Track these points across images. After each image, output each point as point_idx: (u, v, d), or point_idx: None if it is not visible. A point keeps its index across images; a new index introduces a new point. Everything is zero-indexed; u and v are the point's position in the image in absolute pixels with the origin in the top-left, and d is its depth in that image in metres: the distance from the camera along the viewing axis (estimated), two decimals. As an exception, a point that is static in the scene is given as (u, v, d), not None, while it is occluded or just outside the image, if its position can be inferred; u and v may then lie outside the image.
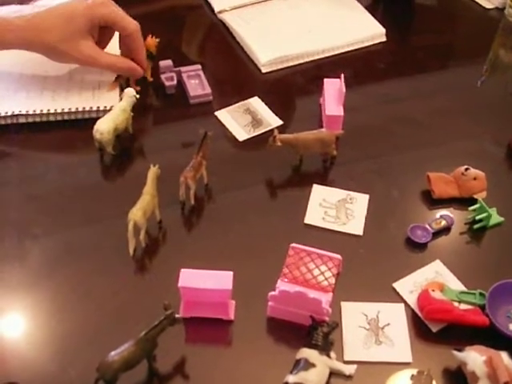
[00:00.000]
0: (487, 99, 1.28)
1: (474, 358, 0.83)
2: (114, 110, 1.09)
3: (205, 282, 0.87)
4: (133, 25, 1.15)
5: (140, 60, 1.18)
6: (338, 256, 0.94)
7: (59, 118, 1.14)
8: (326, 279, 0.92)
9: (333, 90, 1.16)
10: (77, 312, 0.91)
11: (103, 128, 1.06)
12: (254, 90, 1.23)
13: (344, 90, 1.13)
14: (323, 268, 0.93)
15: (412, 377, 0.85)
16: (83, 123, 1.13)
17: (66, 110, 1.14)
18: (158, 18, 1.40)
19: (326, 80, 1.18)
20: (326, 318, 0.87)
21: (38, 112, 1.13)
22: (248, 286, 0.92)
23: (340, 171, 1.11)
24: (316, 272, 0.92)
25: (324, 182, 1.08)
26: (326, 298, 0.88)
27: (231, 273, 0.87)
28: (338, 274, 0.94)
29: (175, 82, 1.20)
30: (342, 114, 1.13)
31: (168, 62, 1.21)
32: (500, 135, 1.18)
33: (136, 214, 0.94)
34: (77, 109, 1.14)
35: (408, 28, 1.45)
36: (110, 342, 0.81)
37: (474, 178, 1.05)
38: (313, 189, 1.06)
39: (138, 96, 1.11)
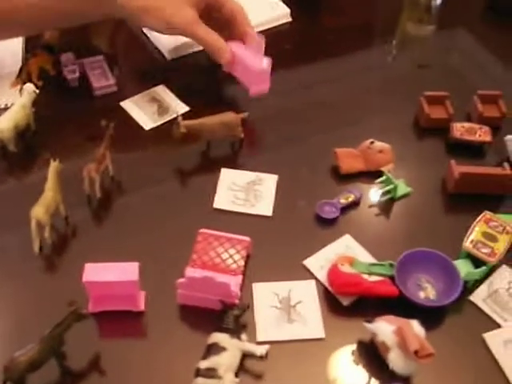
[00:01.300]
0: (397, 74, 1.30)
1: (384, 328, 0.84)
2: (13, 107, 1.07)
3: (110, 275, 0.85)
4: (238, 6, 1.15)
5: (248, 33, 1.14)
6: (247, 238, 0.94)
7: (-42, 119, 1.11)
8: (235, 262, 0.91)
9: (245, 50, 1.13)
10: (-16, 316, 0.90)
11: (2, 126, 1.04)
12: (160, 78, 1.21)
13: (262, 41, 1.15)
14: (232, 251, 0.92)
15: (353, 352, 0.86)
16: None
17: (-35, 111, 1.11)
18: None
19: (230, 43, 1.13)
20: (236, 301, 0.87)
21: None
22: (159, 276, 0.91)
23: (250, 154, 1.10)
24: (225, 256, 0.92)
25: (233, 165, 1.08)
26: (234, 281, 0.88)
27: (137, 263, 0.86)
28: (248, 257, 0.94)
29: (77, 74, 1.17)
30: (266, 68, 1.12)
31: (69, 55, 1.18)
32: (408, 107, 1.19)
33: (38, 211, 0.92)
34: (-23, 108, 1.11)
35: (314, 8, 1.44)
36: (19, 344, 0.80)
37: (380, 151, 1.06)
38: (221, 173, 1.06)
39: (37, 91, 1.09)
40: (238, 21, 1.14)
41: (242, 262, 0.92)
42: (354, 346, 0.87)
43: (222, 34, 1.12)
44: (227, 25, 1.15)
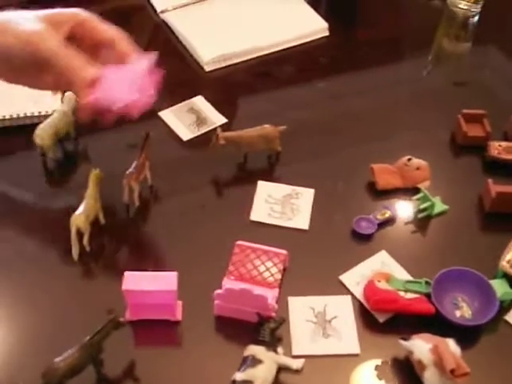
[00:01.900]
0: (432, 89, 1.29)
1: (420, 346, 0.84)
2: (54, 114, 1.08)
3: (149, 284, 0.86)
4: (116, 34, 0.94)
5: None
6: (284, 251, 0.94)
7: (0, 124, 1.12)
8: (272, 275, 0.92)
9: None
10: (23, 320, 0.90)
11: (43, 133, 1.05)
12: (198, 89, 1.22)
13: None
14: (269, 264, 0.93)
15: (376, 367, 0.86)
16: (25, 129, 1.11)
17: (7, 117, 1.12)
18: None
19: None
20: (273, 314, 0.87)
21: (-22, 119, 1.11)
22: (195, 286, 0.92)
23: (286, 167, 1.11)
24: (262, 268, 0.92)
25: (270, 178, 1.08)
26: (271, 294, 0.89)
27: (175, 273, 0.87)
28: (285, 270, 0.94)
29: (117, 83, 1.19)
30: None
31: (110, 64, 1.20)
32: (444, 124, 1.19)
33: (78, 218, 0.93)
34: (18, 115, 1.12)
35: (351, 22, 1.45)
36: (57, 349, 0.81)
37: (417, 168, 1.06)
38: (258, 185, 1.06)
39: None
40: (117, 46, 0.94)
41: (278, 276, 0.92)
42: (388, 363, 0.87)
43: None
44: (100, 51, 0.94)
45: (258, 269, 0.92)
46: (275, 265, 0.93)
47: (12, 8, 0.92)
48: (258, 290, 0.87)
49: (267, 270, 0.92)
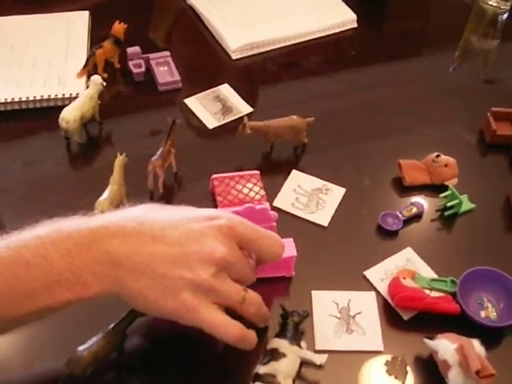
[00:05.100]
0: (459, 86, 1.28)
1: (445, 345, 0.82)
2: (80, 97, 1.07)
3: None
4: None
5: None
6: (256, 171, 1.01)
7: (24, 106, 1.11)
8: (257, 193, 0.98)
9: None
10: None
11: (69, 116, 1.04)
12: (224, 77, 1.21)
13: None
14: (249, 185, 0.99)
15: (386, 363, 0.85)
16: (49, 111, 1.10)
17: (30, 98, 1.11)
18: (126, 3, 1.37)
19: None
20: (274, 224, 0.92)
21: (1, 101, 1.10)
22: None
23: (311, 159, 1.09)
24: (246, 190, 0.98)
25: (295, 169, 1.07)
26: (267, 206, 0.95)
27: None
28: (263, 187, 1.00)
29: (143, 68, 1.18)
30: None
31: (136, 49, 1.19)
32: (471, 122, 1.17)
33: (103, 203, 0.92)
34: (42, 96, 1.11)
35: (380, 14, 1.44)
36: (79, 337, 0.80)
37: (445, 165, 1.04)
38: (291, 173, 1.06)
39: (104, 83, 1.09)
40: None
41: (263, 192, 0.99)
42: (412, 362, 0.86)
43: None
44: None
45: (242, 192, 0.98)
46: (255, 184, 0.99)
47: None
48: (257, 206, 0.92)
49: (251, 190, 0.98)
